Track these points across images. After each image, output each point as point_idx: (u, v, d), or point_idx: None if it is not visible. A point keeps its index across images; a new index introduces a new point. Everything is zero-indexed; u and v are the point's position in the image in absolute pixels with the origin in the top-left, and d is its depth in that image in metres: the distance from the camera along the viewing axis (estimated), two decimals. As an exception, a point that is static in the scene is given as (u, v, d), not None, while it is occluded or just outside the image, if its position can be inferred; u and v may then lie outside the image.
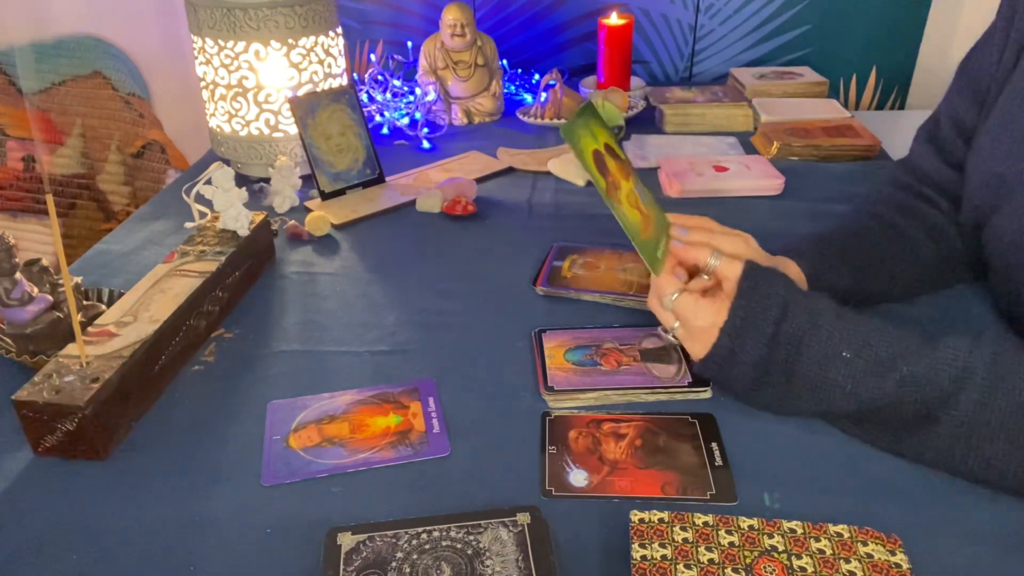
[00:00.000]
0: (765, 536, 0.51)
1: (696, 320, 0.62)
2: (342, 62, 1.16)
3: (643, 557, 0.49)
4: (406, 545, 0.51)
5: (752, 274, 0.61)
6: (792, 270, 0.70)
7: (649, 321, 0.73)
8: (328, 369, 0.72)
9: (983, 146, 0.71)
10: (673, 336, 0.65)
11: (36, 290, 0.72)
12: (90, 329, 0.67)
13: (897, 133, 1.21)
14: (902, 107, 1.63)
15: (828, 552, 0.50)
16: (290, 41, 1.05)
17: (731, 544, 0.50)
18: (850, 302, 0.74)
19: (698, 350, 0.63)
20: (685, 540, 0.51)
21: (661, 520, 0.52)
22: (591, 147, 0.63)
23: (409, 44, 1.53)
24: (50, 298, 0.72)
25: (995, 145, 0.69)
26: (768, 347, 0.60)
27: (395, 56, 1.51)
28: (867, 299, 0.75)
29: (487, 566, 0.49)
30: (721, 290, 0.63)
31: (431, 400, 0.67)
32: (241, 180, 1.01)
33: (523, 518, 0.53)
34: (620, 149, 0.67)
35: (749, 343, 0.60)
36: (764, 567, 0.49)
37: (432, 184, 1.10)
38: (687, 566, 0.49)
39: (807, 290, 0.67)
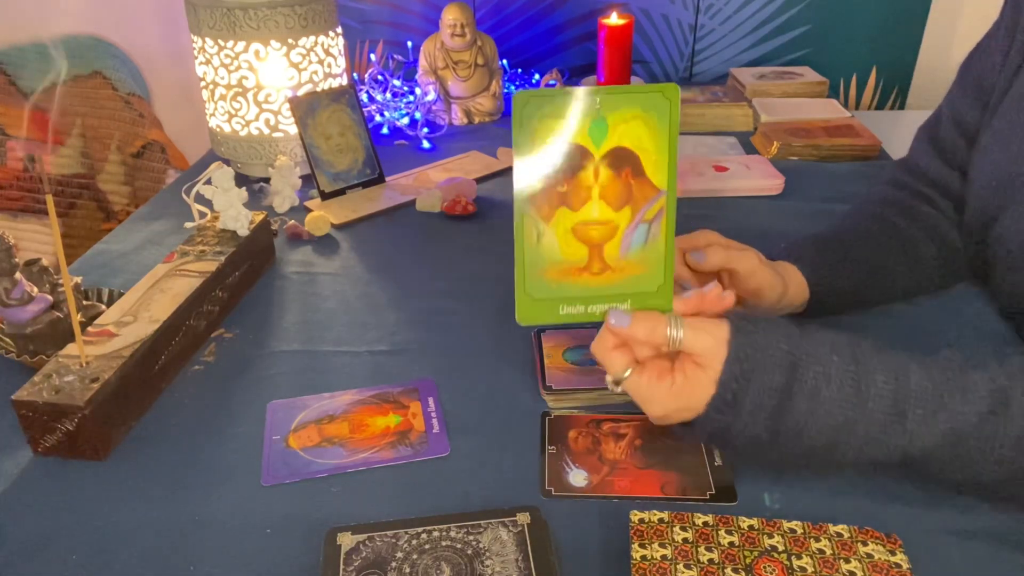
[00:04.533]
0: (765, 536, 0.51)
1: (648, 407, 0.53)
2: (342, 62, 1.16)
3: (643, 557, 0.49)
4: (406, 545, 0.51)
5: (742, 335, 0.50)
6: (793, 274, 0.70)
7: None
8: (328, 369, 0.72)
9: (988, 148, 0.71)
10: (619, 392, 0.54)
11: (36, 290, 0.72)
12: (90, 329, 0.67)
13: (897, 133, 1.21)
14: (902, 107, 1.63)
15: (828, 552, 0.50)
16: (290, 41, 1.05)
17: (731, 544, 0.50)
18: (851, 305, 0.74)
19: (654, 417, 0.54)
20: (685, 540, 0.51)
21: (661, 520, 0.52)
22: (559, 136, 0.48)
23: (409, 44, 1.53)
24: (50, 298, 0.72)
25: (1001, 147, 0.69)
26: (773, 417, 0.50)
27: (395, 56, 1.51)
28: (868, 301, 0.75)
29: (487, 566, 0.49)
30: (680, 365, 0.52)
31: (431, 400, 0.67)
32: (241, 180, 1.01)
33: (523, 518, 0.53)
34: (664, 170, 0.50)
35: (746, 416, 0.50)
36: (764, 567, 0.49)
37: (432, 184, 1.10)
38: (687, 566, 0.49)
39: (810, 332, 0.53)
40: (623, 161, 0.50)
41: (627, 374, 0.52)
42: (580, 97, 0.48)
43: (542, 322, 0.53)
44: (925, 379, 0.50)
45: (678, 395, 0.51)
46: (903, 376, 0.50)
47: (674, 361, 0.52)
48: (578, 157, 0.49)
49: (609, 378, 0.54)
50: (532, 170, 0.49)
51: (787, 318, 0.54)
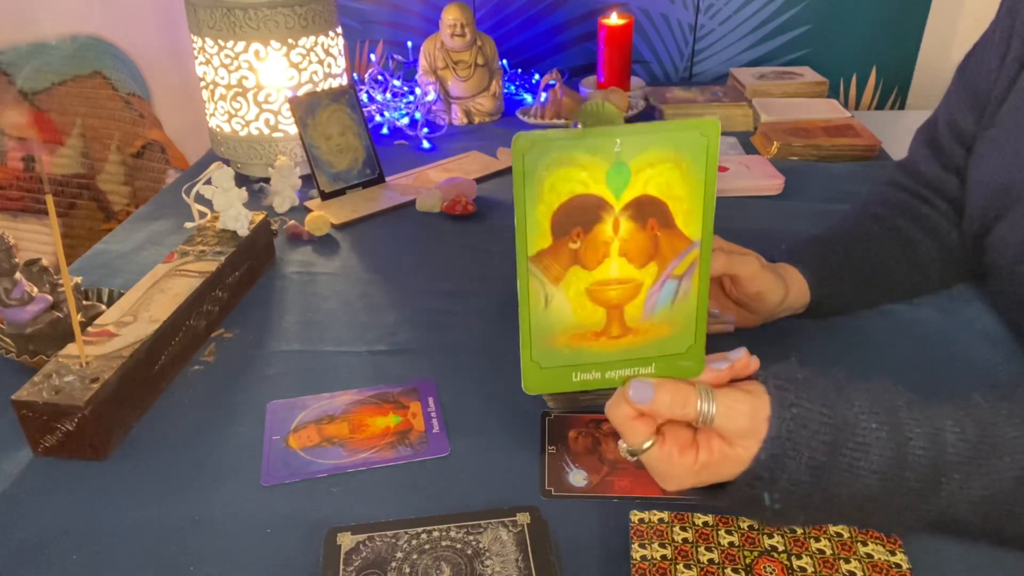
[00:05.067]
0: (765, 536, 0.51)
1: (667, 484, 0.47)
2: (342, 62, 1.16)
3: (643, 557, 0.49)
4: (406, 545, 0.51)
5: (781, 415, 0.45)
6: (794, 276, 0.70)
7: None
8: (328, 369, 0.72)
9: (986, 155, 0.71)
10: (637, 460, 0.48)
11: (36, 290, 0.72)
12: (90, 329, 0.67)
13: (897, 133, 1.21)
14: (902, 107, 1.63)
15: (828, 552, 0.50)
16: (290, 41, 1.05)
17: (731, 544, 0.50)
18: (852, 305, 0.74)
19: (670, 489, 0.48)
20: (685, 540, 0.51)
21: (661, 520, 0.52)
22: (571, 187, 0.40)
23: (409, 44, 1.53)
24: (50, 298, 0.72)
25: (999, 154, 0.69)
26: (809, 489, 0.46)
27: (395, 56, 1.51)
28: (868, 302, 0.75)
29: (487, 566, 0.49)
30: (707, 440, 0.46)
31: (431, 400, 0.67)
32: (241, 180, 1.01)
33: (523, 518, 0.53)
34: (697, 219, 0.42)
35: (783, 485, 0.45)
36: (764, 567, 0.49)
37: (432, 184, 1.10)
38: (687, 566, 0.49)
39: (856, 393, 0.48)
40: (649, 211, 0.42)
41: (646, 446, 0.46)
42: (596, 139, 0.40)
43: (552, 391, 0.46)
44: (961, 440, 0.46)
45: (700, 472, 0.46)
46: (939, 441, 0.46)
47: (697, 432, 0.47)
48: (594, 209, 0.41)
49: (624, 446, 0.48)
50: (538, 226, 0.41)
51: (822, 374, 0.48)
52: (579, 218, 0.41)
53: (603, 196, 0.41)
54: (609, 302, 0.43)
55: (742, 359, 0.48)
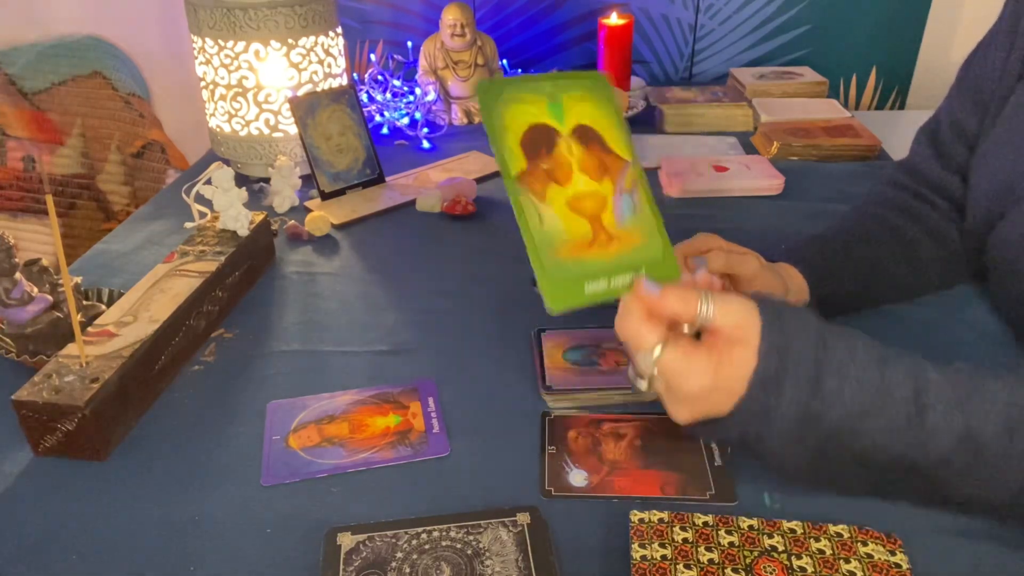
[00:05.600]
0: (765, 536, 0.51)
1: (688, 384, 0.48)
2: (342, 62, 1.16)
3: (643, 557, 0.49)
4: (406, 545, 0.51)
5: (771, 309, 0.48)
6: (794, 276, 0.70)
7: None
8: (328, 369, 0.72)
9: (990, 153, 0.71)
10: (646, 387, 0.50)
11: (36, 290, 0.72)
12: (90, 329, 0.67)
13: (897, 133, 1.21)
14: (902, 107, 1.63)
15: (828, 552, 0.50)
16: (290, 41, 1.05)
17: (731, 544, 0.50)
18: (852, 306, 0.74)
19: (685, 415, 0.50)
20: (685, 540, 0.51)
21: (661, 520, 0.52)
22: (526, 118, 0.50)
23: (409, 44, 1.52)
24: (50, 298, 0.72)
25: (1003, 152, 0.69)
26: (810, 395, 0.47)
27: (395, 56, 1.50)
28: (869, 302, 0.75)
29: (487, 566, 0.49)
30: (712, 341, 0.48)
31: (431, 400, 0.67)
32: (241, 180, 1.01)
33: (523, 518, 0.53)
34: (623, 143, 0.52)
35: (788, 392, 0.47)
36: (764, 567, 0.49)
37: (432, 184, 1.10)
38: (687, 566, 0.49)
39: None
40: (588, 137, 0.51)
41: (658, 352, 0.48)
42: (535, 80, 0.52)
43: (572, 305, 0.49)
44: (943, 380, 0.48)
45: (717, 369, 0.47)
46: (922, 373, 0.48)
47: (700, 336, 0.49)
48: (550, 134, 0.50)
49: (632, 371, 0.50)
50: (511, 151, 0.49)
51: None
52: (541, 142, 0.50)
53: (552, 125, 0.51)
54: (587, 211, 0.50)
55: (703, 277, 0.55)
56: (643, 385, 0.49)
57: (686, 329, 0.49)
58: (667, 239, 0.52)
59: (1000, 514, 0.52)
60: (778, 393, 0.47)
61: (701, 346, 0.48)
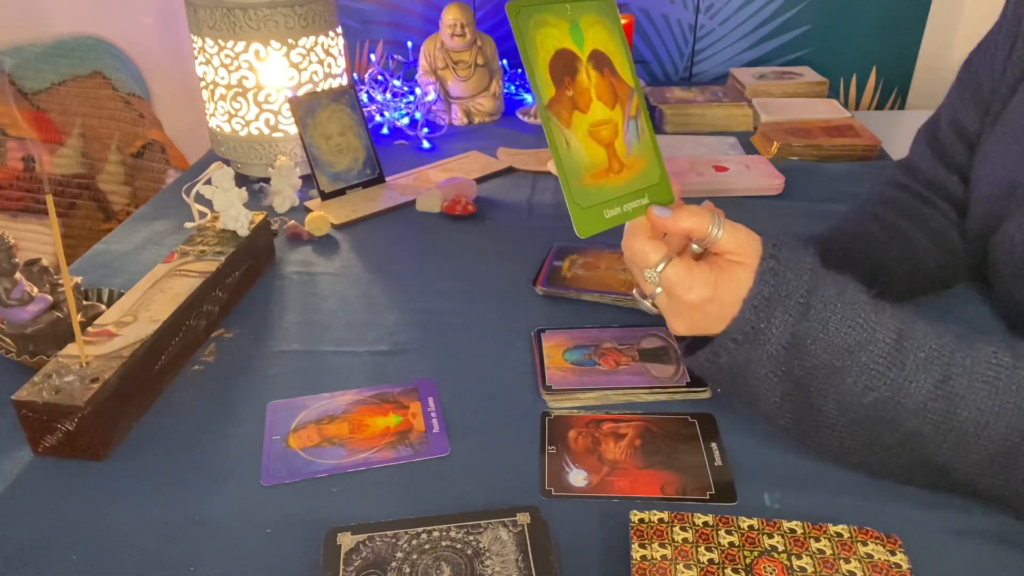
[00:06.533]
0: (765, 536, 0.51)
1: (689, 293, 0.52)
2: (342, 62, 1.16)
3: (643, 557, 0.49)
4: (406, 545, 0.51)
5: (774, 241, 0.53)
6: None
7: (648, 321, 0.73)
8: (328, 369, 0.72)
9: (992, 153, 0.71)
10: (651, 303, 0.56)
11: (36, 290, 0.72)
12: (90, 329, 0.67)
13: (897, 133, 1.21)
14: (902, 107, 1.63)
15: (828, 552, 0.50)
16: (290, 41, 1.05)
17: (731, 544, 0.50)
18: None
19: (684, 327, 0.55)
20: (685, 540, 0.51)
21: (661, 520, 0.52)
22: (553, 43, 0.50)
23: (409, 44, 1.53)
24: (50, 298, 0.72)
25: (1006, 152, 0.69)
26: (798, 320, 0.51)
27: (395, 56, 1.51)
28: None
29: (487, 566, 0.49)
30: (715, 259, 0.54)
31: (431, 400, 0.67)
32: (241, 180, 1.01)
33: (523, 518, 0.53)
34: (628, 68, 0.54)
35: (778, 316, 0.51)
36: (764, 567, 0.49)
37: (432, 184, 1.10)
38: (687, 566, 0.49)
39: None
40: (602, 63, 0.52)
41: (661, 267, 0.53)
42: (555, 5, 0.52)
43: (596, 230, 0.52)
44: (929, 329, 0.51)
45: (717, 282, 0.52)
46: (909, 320, 0.52)
47: (703, 256, 0.55)
48: (572, 61, 0.51)
49: (637, 290, 0.56)
50: (542, 77, 0.50)
51: None
52: (565, 69, 0.51)
53: (573, 50, 0.51)
54: (604, 140, 0.52)
55: (710, 205, 0.56)
56: (648, 302, 0.55)
57: (694, 248, 0.54)
58: (663, 163, 0.56)
59: (972, 485, 0.53)
60: (768, 317, 0.51)
61: (704, 262, 0.53)
